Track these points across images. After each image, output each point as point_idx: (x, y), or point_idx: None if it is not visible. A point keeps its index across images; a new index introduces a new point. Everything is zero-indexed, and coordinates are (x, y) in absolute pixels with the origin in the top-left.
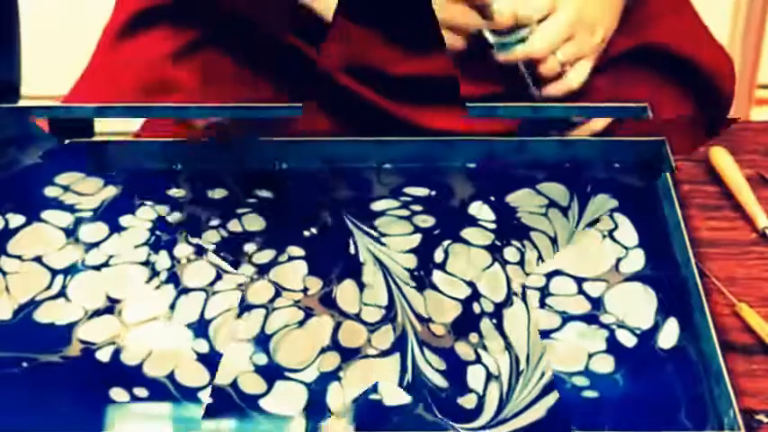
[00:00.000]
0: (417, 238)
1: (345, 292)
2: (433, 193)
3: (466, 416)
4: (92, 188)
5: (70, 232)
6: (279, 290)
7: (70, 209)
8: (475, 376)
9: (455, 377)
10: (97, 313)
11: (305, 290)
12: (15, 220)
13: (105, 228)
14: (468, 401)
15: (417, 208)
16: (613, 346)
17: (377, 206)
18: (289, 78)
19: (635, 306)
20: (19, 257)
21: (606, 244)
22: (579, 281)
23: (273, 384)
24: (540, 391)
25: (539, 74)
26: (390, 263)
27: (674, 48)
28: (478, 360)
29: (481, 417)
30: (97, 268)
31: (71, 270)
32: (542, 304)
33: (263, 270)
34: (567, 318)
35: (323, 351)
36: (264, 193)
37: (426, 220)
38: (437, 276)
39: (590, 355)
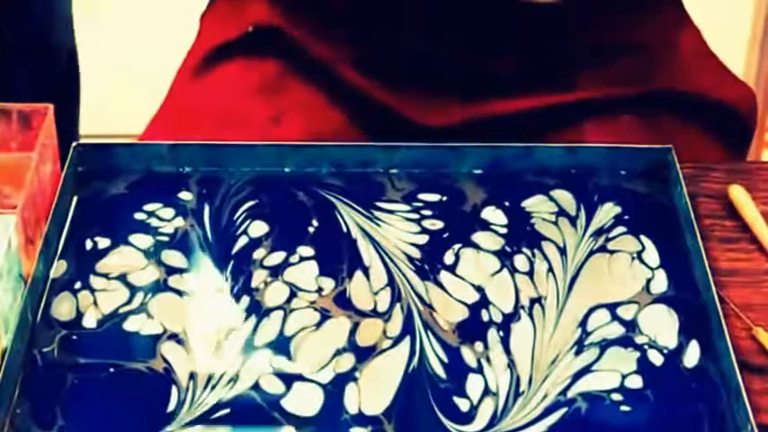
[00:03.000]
0: (425, 237)
1: (357, 289)
2: (445, 198)
3: (459, 416)
4: (170, 215)
5: (151, 254)
6: (294, 291)
7: (153, 233)
8: (473, 385)
9: (455, 376)
10: (175, 336)
11: (319, 290)
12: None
13: (182, 255)
14: (462, 404)
15: (427, 212)
16: (644, 365)
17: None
18: (355, 111)
19: (662, 327)
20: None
21: (634, 265)
22: (612, 307)
23: (292, 386)
24: (541, 411)
25: None
26: (382, 239)
27: (699, 90)
28: (480, 370)
29: (474, 423)
30: (177, 292)
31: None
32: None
33: (275, 272)
34: (604, 345)
35: (339, 352)
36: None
37: (435, 224)
38: (444, 277)
39: (623, 376)
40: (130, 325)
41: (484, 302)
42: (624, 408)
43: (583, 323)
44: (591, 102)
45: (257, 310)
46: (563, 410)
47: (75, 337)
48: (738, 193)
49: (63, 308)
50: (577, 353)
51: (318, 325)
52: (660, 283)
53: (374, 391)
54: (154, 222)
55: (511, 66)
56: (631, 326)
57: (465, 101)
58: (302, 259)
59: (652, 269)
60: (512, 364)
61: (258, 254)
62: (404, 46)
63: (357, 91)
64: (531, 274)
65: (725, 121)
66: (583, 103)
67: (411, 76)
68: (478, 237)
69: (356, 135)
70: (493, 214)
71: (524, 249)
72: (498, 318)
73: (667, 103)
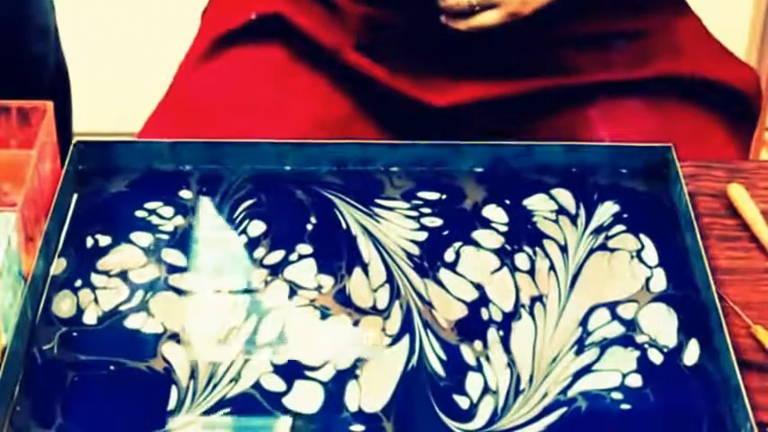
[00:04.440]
0: (424, 235)
1: (357, 286)
2: (444, 196)
3: (459, 413)
4: (170, 214)
5: (151, 252)
6: (294, 289)
7: (153, 231)
8: (472, 383)
9: (454, 374)
10: (175, 335)
11: (319, 288)
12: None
13: (182, 254)
14: (461, 402)
15: (426, 210)
16: (644, 364)
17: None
18: (359, 97)
19: (662, 325)
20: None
21: (634, 264)
22: (611, 306)
23: (293, 384)
24: (540, 410)
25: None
26: (381, 236)
27: (702, 73)
28: (479, 368)
29: (474, 421)
30: (177, 291)
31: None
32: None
33: (275, 271)
34: (605, 345)
35: (340, 350)
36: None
37: (434, 221)
38: (444, 275)
39: (624, 375)
40: (131, 323)
41: (483, 301)
42: (624, 406)
43: (583, 322)
44: (596, 85)
45: (258, 309)
46: (563, 409)
47: (75, 334)
48: (738, 192)
49: (63, 305)
50: (578, 352)
51: (319, 323)
52: (659, 282)
53: (374, 389)
54: (154, 220)
55: (517, 49)
56: (631, 325)
57: (469, 81)
58: (301, 257)
59: (651, 267)
60: (512, 363)
61: (258, 252)
62: (408, 28)
63: (361, 74)
64: (532, 272)
65: (729, 103)
66: (587, 87)
67: (415, 57)
68: (478, 235)
69: (360, 119)
70: (494, 212)
71: (525, 248)
72: (498, 316)
73: (671, 87)
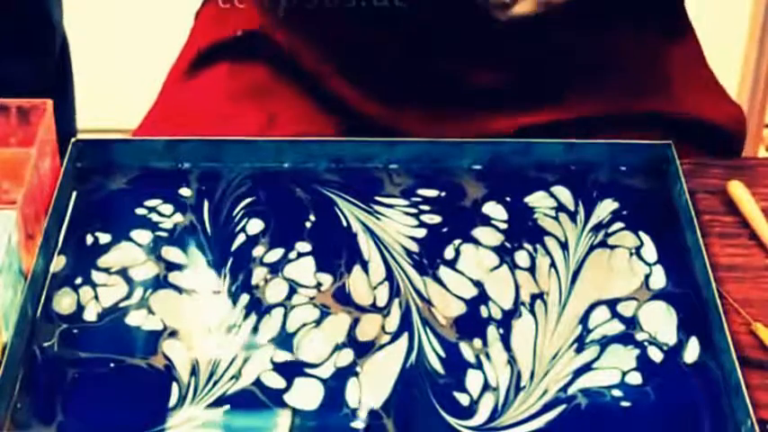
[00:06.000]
0: (423, 231)
1: (357, 283)
2: (443, 193)
3: (459, 410)
4: (170, 211)
5: (151, 250)
6: (294, 287)
7: (152, 229)
8: (472, 381)
9: (453, 371)
10: (176, 333)
11: (318, 286)
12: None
13: (181, 252)
14: (462, 398)
15: (426, 207)
16: (644, 361)
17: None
18: (339, 114)
19: (662, 323)
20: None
21: (633, 261)
22: (612, 304)
23: (293, 381)
24: (541, 407)
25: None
26: (381, 232)
27: (687, 111)
28: (479, 366)
29: (474, 418)
30: (177, 288)
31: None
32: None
33: (275, 269)
34: (605, 342)
35: (339, 348)
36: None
37: (434, 218)
38: (443, 272)
39: (624, 372)
40: (131, 320)
41: (482, 298)
42: (624, 404)
43: (584, 320)
44: (578, 121)
45: (258, 307)
46: (563, 406)
47: (75, 331)
48: (738, 189)
49: (63, 302)
50: (578, 350)
51: (318, 321)
52: (659, 279)
53: (374, 386)
54: (154, 218)
55: (498, 83)
56: (631, 323)
57: (452, 116)
58: (300, 255)
59: (650, 265)
60: (512, 360)
61: (257, 251)
62: (394, 61)
63: (346, 103)
64: (532, 269)
65: (713, 142)
66: (570, 122)
67: (401, 90)
68: (478, 232)
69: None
70: (494, 209)
71: (526, 245)
72: (497, 314)
73: (654, 123)
